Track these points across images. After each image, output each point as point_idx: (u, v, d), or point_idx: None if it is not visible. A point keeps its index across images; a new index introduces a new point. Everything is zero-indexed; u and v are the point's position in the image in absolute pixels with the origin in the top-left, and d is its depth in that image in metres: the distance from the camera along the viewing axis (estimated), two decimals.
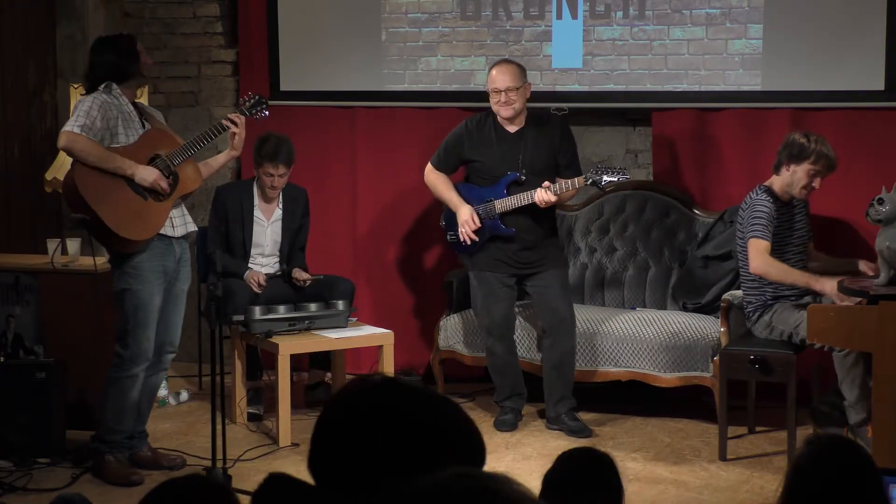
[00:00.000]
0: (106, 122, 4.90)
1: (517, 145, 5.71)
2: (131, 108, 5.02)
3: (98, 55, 5.04)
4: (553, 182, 5.61)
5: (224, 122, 5.19)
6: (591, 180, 5.56)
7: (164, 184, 4.96)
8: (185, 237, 5.15)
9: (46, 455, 5.20)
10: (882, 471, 2.41)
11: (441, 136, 6.02)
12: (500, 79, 5.67)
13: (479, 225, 5.71)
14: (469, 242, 5.74)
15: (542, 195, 5.56)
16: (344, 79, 6.76)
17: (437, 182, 5.87)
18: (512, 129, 5.73)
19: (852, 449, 2.40)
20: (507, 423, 5.75)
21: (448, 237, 5.92)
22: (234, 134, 5.16)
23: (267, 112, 5.38)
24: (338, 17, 6.74)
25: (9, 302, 5.66)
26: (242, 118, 5.22)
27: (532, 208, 5.66)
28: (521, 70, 5.74)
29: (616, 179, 5.60)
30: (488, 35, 6.52)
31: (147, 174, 4.93)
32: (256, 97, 5.37)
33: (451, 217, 5.84)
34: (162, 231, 5.01)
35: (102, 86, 4.96)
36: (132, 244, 4.95)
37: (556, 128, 5.78)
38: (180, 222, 5.11)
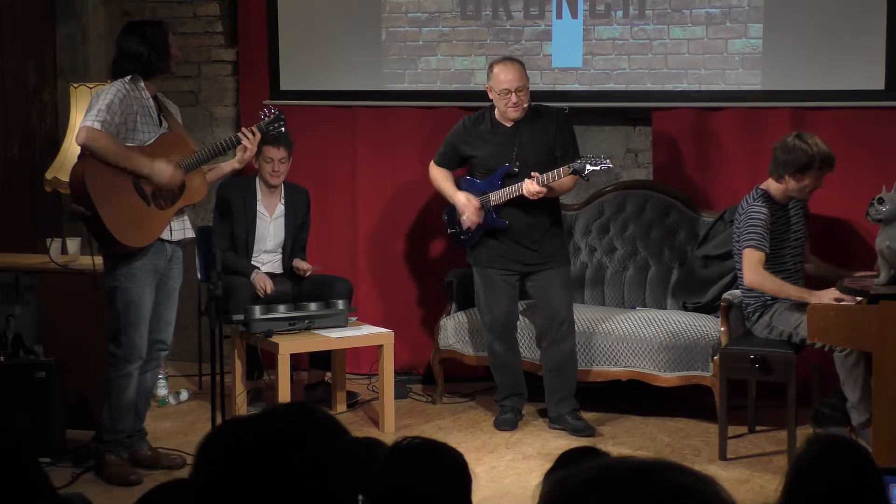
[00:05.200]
0: (124, 116, 4.84)
1: (512, 139, 5.68)
2: (152, 102, 4.97)
3: (129, 44, 4.94)
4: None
5: (239, 134, 5.15)
6: (573, 170, 5.52)
7: (178, 179, 4.93)
8: (179, 242, 5.12)
9: (46, 455, 5.18)
10: (882, 470, 2.41)
11: (441, 135, 6.02)
12: (512, 78, 5.58)
13: (479, 204, 5.70)
14: (473, 227, 5.71)
15: (529, 186, 5.55)
16: (344, 78, 6.76)
17: (438, 176, 5.89)
18: (508, 123, 5.71)
19: (853, 448, 2.40)
20: (508, 423, 5.75)
21: (449, 230, 5.93)
22: (245, 148, 5.13)
23: (283, 129, 5.34)
24: (338, 17, 6.74)
25: (9, 302, 5.66)
26: (258, 134, 5.18)
27: (529, 203, 5.63)
28: (524, 66, 5.73)
29: (598, 168, 5.52)
30: (488, 35, 6.52)
31: (164, 169, 4.88)
32: (276, 113, 5.30)
33: (453, 211, 5.85)
34: None
35: (129, 77, 4.90)
36: (127, 248, 4.93)
37: (553, 120, 5.72)
38: (178, 227, 5.07)
